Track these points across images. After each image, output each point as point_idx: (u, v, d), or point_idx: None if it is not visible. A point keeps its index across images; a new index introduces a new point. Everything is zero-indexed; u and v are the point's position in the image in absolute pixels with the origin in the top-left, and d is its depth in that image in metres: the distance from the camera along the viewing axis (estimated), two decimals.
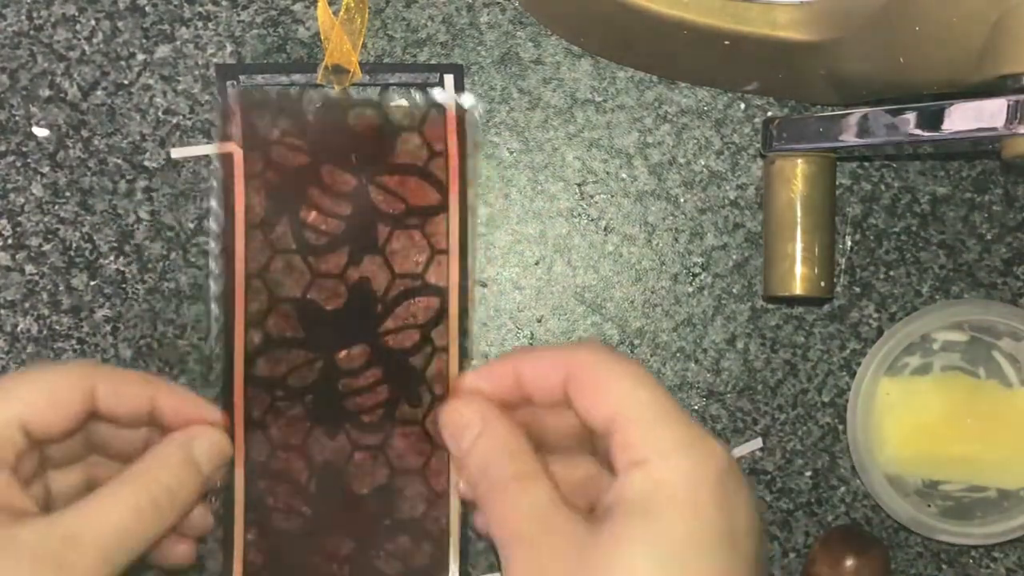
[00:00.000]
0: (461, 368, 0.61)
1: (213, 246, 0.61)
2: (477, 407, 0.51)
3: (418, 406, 0.61)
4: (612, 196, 0.62)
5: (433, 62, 0.61)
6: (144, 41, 0.61)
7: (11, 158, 0.61)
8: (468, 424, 0.51)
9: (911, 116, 0.52)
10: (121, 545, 0.50)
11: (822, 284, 0.58)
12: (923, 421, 0.60)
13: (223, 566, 0.61)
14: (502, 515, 0.48)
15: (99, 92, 0.61)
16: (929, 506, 0.60)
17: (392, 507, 0.61)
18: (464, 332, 0.61)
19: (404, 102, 0.61)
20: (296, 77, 0.61)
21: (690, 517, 0.45)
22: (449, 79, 0.61)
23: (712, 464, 0.46)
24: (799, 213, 0.57)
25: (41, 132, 0.61)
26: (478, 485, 0.50)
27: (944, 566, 0.62)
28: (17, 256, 0.61)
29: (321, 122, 0.61)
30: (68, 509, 0.50)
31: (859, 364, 0.61)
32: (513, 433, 0.50)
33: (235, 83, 0.61)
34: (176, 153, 0.61)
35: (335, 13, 0.61)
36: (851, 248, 0.62)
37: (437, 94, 0.61)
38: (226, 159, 0.61)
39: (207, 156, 0.61)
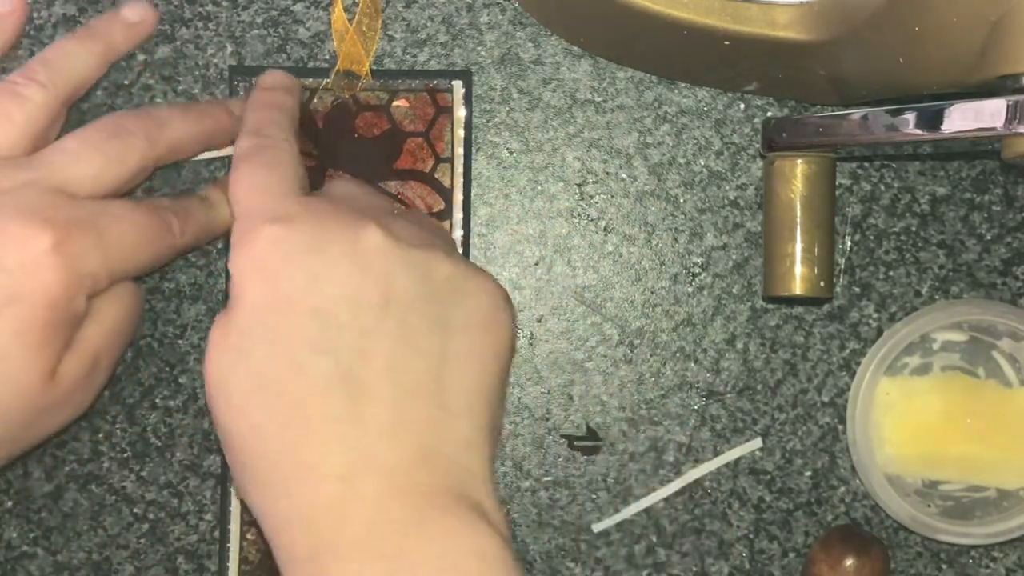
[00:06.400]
0: None
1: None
2: None
3: None
4: (612, 196, 0.62)
5: (436, 65, 0.61)
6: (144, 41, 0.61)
7: None
8: None
9: (911, 116, 0.52)
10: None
11: (822, 284, 0.57)
12: (923, 421, 0.60)
13: (219, 566, 0.61)
14: None
15: (99, 92, 0.61)
16: (929, 506, 0.60)
17: None
18: None
19: (412, 107, 0.61)
20: (307, 81, 0.61)
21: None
22: (458, 85, 0.61)
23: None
24: (799, 213, 0.57)
25: None
26: None
27: (944, 566, 0.62)
28: None
29: (328, 126, 0.61)
30: None
31: (859, 364, 0.61)
32: None
33: (246, 85, 0.61)
34: None
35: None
36: (851, 248, 0.62)
37: (445, 100, 0.61)
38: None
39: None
